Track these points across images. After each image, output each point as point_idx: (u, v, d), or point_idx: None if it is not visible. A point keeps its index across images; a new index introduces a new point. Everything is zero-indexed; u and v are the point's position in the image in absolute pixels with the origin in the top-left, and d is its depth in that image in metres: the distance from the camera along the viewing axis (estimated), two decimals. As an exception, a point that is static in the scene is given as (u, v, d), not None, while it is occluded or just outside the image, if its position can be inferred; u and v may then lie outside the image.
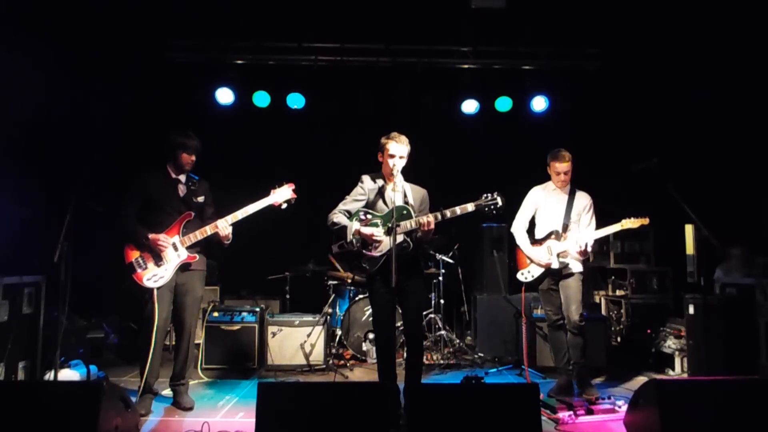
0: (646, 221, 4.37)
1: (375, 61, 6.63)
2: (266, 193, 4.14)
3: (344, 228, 3.87)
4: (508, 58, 6.71)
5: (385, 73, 6.75)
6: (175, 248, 4.07)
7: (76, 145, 5.76)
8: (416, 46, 6.62)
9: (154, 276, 4.03)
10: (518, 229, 4.71)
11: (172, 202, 4.14)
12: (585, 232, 4.47)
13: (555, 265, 4.48)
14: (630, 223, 4.38)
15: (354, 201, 3.97)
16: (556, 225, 4.54)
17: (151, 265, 4.04)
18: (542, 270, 4.55)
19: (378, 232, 3.79)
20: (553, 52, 6.65)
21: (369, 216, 3.91)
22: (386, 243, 3.78)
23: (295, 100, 6.80)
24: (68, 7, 5.35)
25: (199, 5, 5.88)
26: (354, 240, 3.83)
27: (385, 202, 3.94)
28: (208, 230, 4.09)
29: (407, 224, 3.77)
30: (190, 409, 4.15)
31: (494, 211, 3.81)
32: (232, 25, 6.29)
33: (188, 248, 4.11)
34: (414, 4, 5.84)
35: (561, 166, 4.51)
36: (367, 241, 3.80)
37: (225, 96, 6.67)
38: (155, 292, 4.01)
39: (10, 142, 5.18)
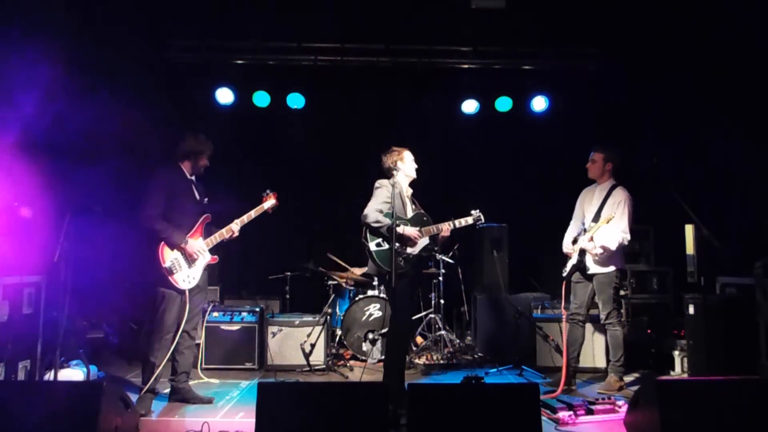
0: None
1: (375, 61, 6.62)
2: (259, 201, 4.45)
3: (385, 227, 4.16)
4: (508, 58, 6.70)
5: (385, 73, 6.75)
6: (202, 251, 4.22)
7: (76, 145, 5.76)
8: (416, 46, 6.61)
9: (188, 277, 4.13)
10: (568, 229, 4.92)
11: (191, 204, 4.25)
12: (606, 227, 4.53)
13: (574, 260, 4.69)
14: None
15: (384, 203, 4.24)
16: (588, 222, 4.71)
17: (184, 266, 4.12)
18: (572, 266, 4.71)
19: (417, 233, 4.23)
20: (553, 52, 6.64)
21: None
22: (420, 243, 4.27)
23: (295, 100, 6.80)
24: (68, 7, 5.35)
25: (199, 5, 5.88)
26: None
27: (404, 207, 4.32)
28: (225, 233, 4.27)
29: (431, 229, 4.28)
30: (210, 401, 4.27)
31: (479, 224, 4.45)
32: (232, 25, 6.29)
33: (209, 250, 4.27)
34: (414, 4, 5.83)
35: (590, 156, 4.81)
36: (405, 241, 4.17)
37: (225, 96, 6.67)
38: (187, 293, 4.11)
39: (9, 141, 5.17)
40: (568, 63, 6.69)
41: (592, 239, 4.50)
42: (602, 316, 4.65)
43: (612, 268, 4.59)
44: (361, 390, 3.30)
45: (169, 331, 4.09)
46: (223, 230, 4.27)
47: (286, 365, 5.37)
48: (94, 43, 5.80)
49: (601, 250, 4.49)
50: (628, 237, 4.53)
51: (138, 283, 5.34)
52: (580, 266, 4.67)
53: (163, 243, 4.04)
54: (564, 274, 4.80)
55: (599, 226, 4.48)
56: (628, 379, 4.98)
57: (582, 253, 4.62)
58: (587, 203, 4.83)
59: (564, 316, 4.86)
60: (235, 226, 4.29)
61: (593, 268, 4.61)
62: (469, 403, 3.05)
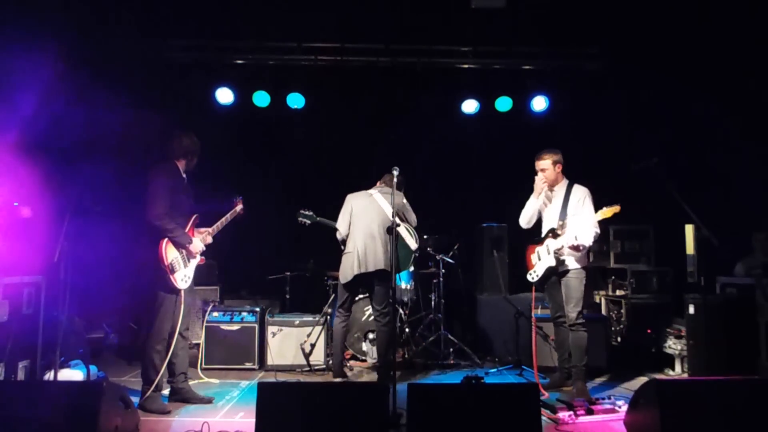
0: (617, 209, 4.29)
1: (375, 61, 6.62)
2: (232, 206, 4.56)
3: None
4: (508, 58, 6.70)
5: (385, 73, 6.75)
6: None
7: (76, 145, 5.76)
8: (416, 46, 6.61)
9: (185, 276, 4.12)
10: (521, 216, 4.85)
11: (185, 203, 4.23)
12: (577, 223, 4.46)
13: (552, 263, 4.52)
14: (605, 213, 4.32)
15: None
16: (553, 223, 4.60)
17: (182, 266, 4.11)
18: (546, 269, 4.58)
19: None
20: (553, 52, 6.65)
21: None
22: None
23: (295, 100, 6.79)
24: (67, 7, 5.34)
25: (199, 5, 5.88)
26: None
27: None
28: (219, 226, 4.34)
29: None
30: (210, 401, 4.26)
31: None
32: (232, 25, 6.29)
33: None
34: (414, 4, 5.83)
35: (537, 164, 4.68)
36: None
37: (225, 96, 6.67)
38: (182, 293, 4.09)
39: (9, 141, 5.17)
40: (568, 63, 6.69)
41: (576, 238, 4.35)
42: (572, 317, 4.44)
43: (582, 265, 4.52)
44: (361, 390, 3.30)
45: (166, 332, 4.08)
46: (215, 227, 4.33)
47: (286, 365, 5.38)
48: (93, 43, 5.80)
49: (587, 244, 4.40)
50: (598, 231, 4.45)
51: (138, 283, 5.34)
52: (558, 268, 4.52)
53: (166, 241, 3.98)
54: (535, 279, 4.68)
55: (602, 214, 4.36)
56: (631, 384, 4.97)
57: (559, 252, 4.49)
58: (548, 208, 4.71)
59: (534, 326, 4.89)
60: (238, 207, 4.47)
61: (572, 264, 4.48)
62: (469, 403, 3.05)
